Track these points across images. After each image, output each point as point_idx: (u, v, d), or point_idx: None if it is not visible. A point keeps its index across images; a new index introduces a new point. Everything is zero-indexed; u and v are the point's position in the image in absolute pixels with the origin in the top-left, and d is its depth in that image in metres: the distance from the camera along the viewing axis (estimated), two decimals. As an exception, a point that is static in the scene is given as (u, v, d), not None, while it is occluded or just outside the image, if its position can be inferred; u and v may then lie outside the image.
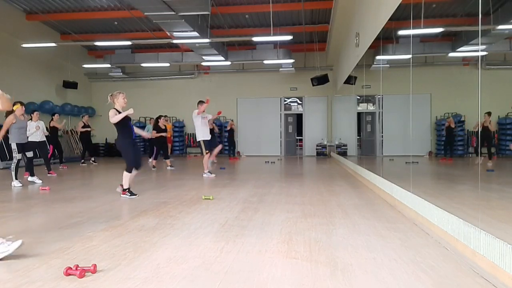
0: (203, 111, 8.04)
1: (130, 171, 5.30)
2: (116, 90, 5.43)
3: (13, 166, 6.73)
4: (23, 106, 6.80)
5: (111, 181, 7.52)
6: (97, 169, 10.55)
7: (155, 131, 10.22)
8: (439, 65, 15.08)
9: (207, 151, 8.08)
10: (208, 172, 8.03)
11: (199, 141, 8.14)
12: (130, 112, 5.25)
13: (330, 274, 2.33)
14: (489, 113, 10.40)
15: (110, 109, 5.24)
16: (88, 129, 11.76)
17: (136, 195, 5.30)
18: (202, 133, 8.08)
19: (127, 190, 5.30)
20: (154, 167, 10.03)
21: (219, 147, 9.55)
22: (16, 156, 6.78)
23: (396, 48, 12.72)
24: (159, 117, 10.46)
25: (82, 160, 11.76)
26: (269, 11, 10.51)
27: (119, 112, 5.20)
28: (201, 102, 8.13)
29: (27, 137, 7.16)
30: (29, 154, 7.14)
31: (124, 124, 5.29)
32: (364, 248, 2.85)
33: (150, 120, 13.56)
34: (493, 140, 12.35)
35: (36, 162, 8.52)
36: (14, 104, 6.62)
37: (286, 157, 15.64)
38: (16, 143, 6.75)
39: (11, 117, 6.58)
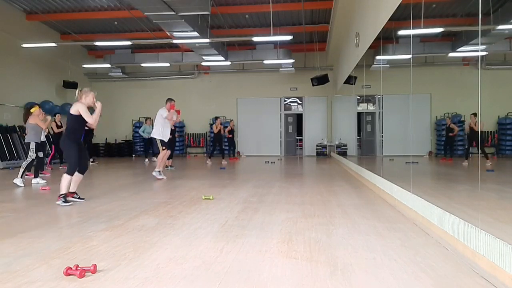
0: (169, 111, 7.61)
1: (71, 174, 4.77)
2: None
3: (24, 163, 6.95)
4: (40, 108, 7.20)
5: (111, 181, 7.53)
6: (96, 169, 10.55)
7: None
8: (439, 65, 15.08)
9: (163, 148, 7.52)
10: (158, 171, 7.39)
11: (153, 138, 7.56)
12: (99, 107, 4.88)
13: (330, 274, 2.33)
14: (474, 114, 10.45)
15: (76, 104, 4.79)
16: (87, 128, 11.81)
17: (70, 203, 4.71)
18: (160, 132, 7.51)
19: (61, 196, 4.70)
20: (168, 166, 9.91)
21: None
22: (32, 155, 6.98)
23: (396, 48, 12.72)
24: None
25: None
26: (269, 11, 10.51)
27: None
28: (171, 99, 7.71)
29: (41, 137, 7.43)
30: (41, 154, 7.33)
31: (82, 126, 4.88)
32: (364, 248, 2.85)
33: (146, 120, 13.48)
34: (483, 140, 12.23)
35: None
36: (31, 107, 7.05)
37: (286, 157, 15.64)
38: (36, 143, 7.01)
39: (37, 119, 6.95)
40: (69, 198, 4.86)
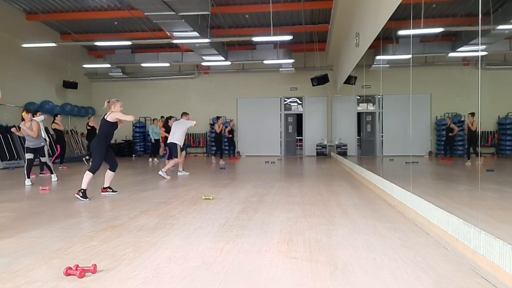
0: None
1: (93, 172, 5.19)
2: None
3: (25, 165, 7.26)
4: (29, 114, 7.30)
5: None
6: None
7: (163, 129, 10.39)
8: (439, 65, 15.09)
9: (182, 152, 8.54)
10: (165, 172, 8.03)
11: (174, 143, 8.31)
12: (131, 118, 5.35)
13: (330, 274, 2.33)
14: (472, 114, 10.54)
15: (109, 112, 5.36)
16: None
17: (88, 198, 5.07)
18: (181, 139, 8.40)
19: (81, 191, 5.07)
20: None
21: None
22: (26, 157, 7.31)
23: (396, 48, 12.72)
24: (170, 117, 10.46)
25: (86, 158, 11.96)
26: (269, 11, 10.51)
27: None
28: (186, 113, 8.79)
29: (42, 140, 7.55)
30: (44, 159, 7.56)
31: (112, 129, 5.34)
32: (364, 248, 2.85)
33: (153, 121, 13.67)
34: (478, 140, 12.15)
35: (36, 163, 8.55)
36: (27, 110, 7.43)
37: (286, 157, 15.64)
38: (26, 147, 7.35)
39: (22, 125, 7.25)
40: (103, 193, 5.50)
